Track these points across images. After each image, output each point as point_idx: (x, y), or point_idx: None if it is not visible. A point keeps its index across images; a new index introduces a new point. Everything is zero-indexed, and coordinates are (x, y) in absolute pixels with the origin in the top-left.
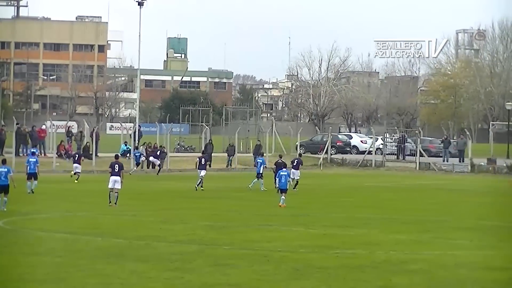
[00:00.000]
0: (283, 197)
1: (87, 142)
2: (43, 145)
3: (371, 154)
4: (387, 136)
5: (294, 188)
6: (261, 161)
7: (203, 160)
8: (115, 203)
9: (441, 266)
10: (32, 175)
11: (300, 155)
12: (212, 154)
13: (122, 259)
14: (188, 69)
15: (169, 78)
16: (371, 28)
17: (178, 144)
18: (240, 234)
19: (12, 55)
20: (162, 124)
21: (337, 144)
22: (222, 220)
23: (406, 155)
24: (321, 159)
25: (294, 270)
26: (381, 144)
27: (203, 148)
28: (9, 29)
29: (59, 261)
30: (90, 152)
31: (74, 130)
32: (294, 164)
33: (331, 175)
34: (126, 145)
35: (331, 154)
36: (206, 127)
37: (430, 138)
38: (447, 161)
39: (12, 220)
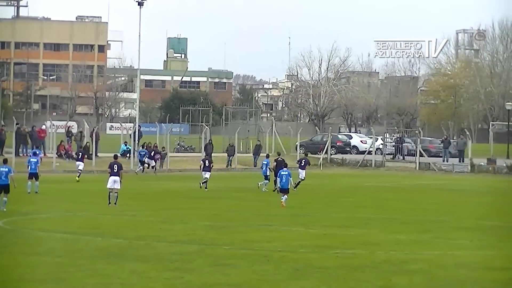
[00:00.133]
0: (285, 196)
1: (87, 142)
2: (43, 145)
3: (371, 154)
4: (387, 136)
5: (294, 188)
6: (266, 162)
7: (207, 162)
8: (115, 203)
9: (441, 266)
10: (33, 175)
11: (306, 154)
12: (212, 154)
13: (122, 259)
14: (188, 69)
15: (169, 78)
16: (371, 28)
17: (178, 144)
18: (240, 234)
19: (12, 55)
20: (162, 124)
21: (337, 144)
22: (222, 220)
23: (404, 155)
24: (321, 159)
25: (294, 270)
26: (381, 144)
27: (203, 148)
28: (9, 29)
29: (59, 261)
30: (90, 152)
31: (74, 130)
32: (302, 164)
33: (331, 175)
34: (126, 145)
35: (331, 154)
36: (206, 127)
37: (430, 138)
38: (447, 161)
39: (12, 220)
